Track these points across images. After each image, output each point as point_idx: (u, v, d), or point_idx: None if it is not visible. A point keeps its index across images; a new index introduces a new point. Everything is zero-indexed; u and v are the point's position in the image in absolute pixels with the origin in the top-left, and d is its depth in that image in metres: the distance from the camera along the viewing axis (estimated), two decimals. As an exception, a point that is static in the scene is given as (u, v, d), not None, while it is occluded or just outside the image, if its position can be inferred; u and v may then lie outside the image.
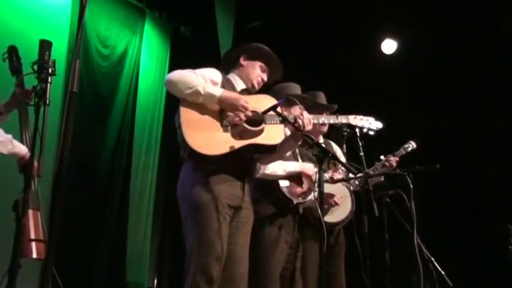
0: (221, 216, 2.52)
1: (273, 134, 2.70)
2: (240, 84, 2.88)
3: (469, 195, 5.72)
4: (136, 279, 5.62)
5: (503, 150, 5.81)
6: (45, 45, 2.42)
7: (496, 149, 5.92)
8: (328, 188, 3.72)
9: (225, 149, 2.53)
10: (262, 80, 2.95)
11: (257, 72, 2.92)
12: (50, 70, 2.33)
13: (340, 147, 3.80)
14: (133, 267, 5.58)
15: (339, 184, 3.61)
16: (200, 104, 2.55)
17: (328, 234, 3.74)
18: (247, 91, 2.88)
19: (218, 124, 2.57)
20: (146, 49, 6.17)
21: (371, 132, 3.11)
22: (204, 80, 2.59)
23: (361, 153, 3.72)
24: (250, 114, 2.60)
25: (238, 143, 2.58)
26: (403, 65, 6.27)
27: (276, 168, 3.24)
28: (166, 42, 6.55)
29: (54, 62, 2.37)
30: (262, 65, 2.95)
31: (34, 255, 2.90)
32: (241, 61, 2.93)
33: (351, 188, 3.46)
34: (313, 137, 2.86)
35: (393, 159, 3.84)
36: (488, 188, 5.95)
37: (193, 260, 2.46)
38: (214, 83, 2.65)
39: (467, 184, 5.67)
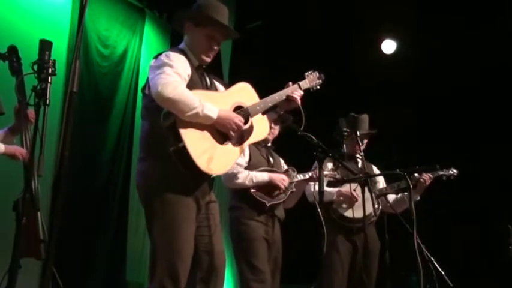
0: (191, 217, 2.46)
1: (262, 127, 2.71)
2: (193, 61, 2.62)
3: (469, 195, 5.73)
4: (136, 279, 5.62)
5: (504, 150, 5.81)
6: (45, 45, 2.41)
7: (496, 149, 5.92)
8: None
9: (228, 166, 2.55)
10: (214, 50, 2.66)
11: (204, 45, 2.62)
12: (50, 70, 2.32)
13: (340, 147, 3.81)
14: (133, 267, 5.58)
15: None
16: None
17: (356, 234, 3.80)
18: (202, 68, 2.67)
19: (217, 136, 2.50)
20: (146, 49, 6.16)
21: (319, 87, 3.04)
22: (185, 80, 2.49)
23: (361, 153, 3.73)
24: (243, 128, 2.55)
25: (237, 152, 2.59)
26: (403, 65, 6.28)
27: (245, 179, 3.41)
28: (166, 42, 6.54)
29: (54, 62, 2.36)
30: (209, 33, 2.61)
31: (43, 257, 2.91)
32: (187, 29, 2.65)
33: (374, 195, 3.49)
34: (312, 137, 2.87)
35: (426, 176, 3.84)
36: (488, 188, 5.96)
37: (161, 262, 2.38)
38: (189, 76, 2.54)
39: (467, 184, 5.67)
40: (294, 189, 3.58)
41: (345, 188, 3.84)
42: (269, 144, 3.72)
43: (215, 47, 2.65)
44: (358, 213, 3.74)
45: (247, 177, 3.43)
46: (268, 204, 3.45)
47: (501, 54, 5.86)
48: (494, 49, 5.89)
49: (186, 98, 2.35)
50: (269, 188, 3.47)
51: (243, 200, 3.47)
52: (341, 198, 3.82)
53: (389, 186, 3.93)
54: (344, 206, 3.84)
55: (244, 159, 3.51)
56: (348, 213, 3.81)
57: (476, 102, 6.14)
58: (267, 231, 3.43)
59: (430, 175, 3.88)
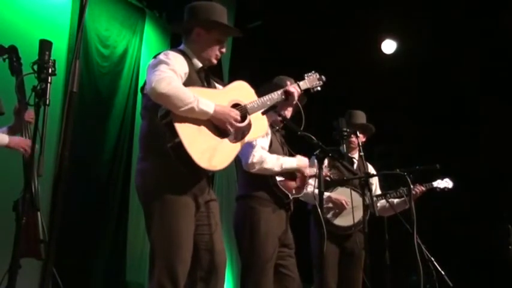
0: (190, 216, 2.47)
1: (260, 124, 2.70)
2: (196, 63, 2.66)
3: (469, 195, 5.73)
4: (136, 279, 5.62)
5: (504, 150, 5.81)
6: (45, 45, 2.42)
7: (496, 148, 5.92)
8: (341, 193, 3.77)
9: (227, 161, 2.52)
10: (222, 52, 2.73)
11: (215, 49, 2.68)
12: (50, 70, 2.33)
13: (340, 147, 3.81)
14: (133, 267, 5.58)
15: (355, 194, 3.69)
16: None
17: (344, 240, 3.80)
18: (203, 70, 2.70)
19: (215, 132, 2.50)
20: (146, 49, 6.16)
21: (319, 88, 3.04)
22: (181, 78, 2.50)
23: (361, 153, 3.73)
24: (239, 125, 2.55)
25: (236, 148, 2.58)
26: (403, 65, 6.28)
27: (275, 163, 3.23)
28: (166, 42, 6.54)
29: (54, 62, 2.37)
30: (220, 38, 2.69)
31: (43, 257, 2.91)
32: (196, 35, 2.67)
33: (366, 201, 3.45)
34: (312, 137, 2.87)
35: (419, 188, 3.87)
36: (488, 188, 5.96)
37: (159, 262, 2.38)
38: (185, 74, 2.55)
39: (467, 184, 5.68)
40: (311, 184, 3.42)
41: (335, 194, 3.81)
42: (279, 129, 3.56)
43: (223, 50, 2.72)
44: (346, 221, 3.75)
45: (277, 162, 3.22)
46: (291, 198, 3.31)
47: (502, 53, 5.87)
48: (494, 48, 5.89)
49: (180, 93, 2.35)
50: (290, 175, 3.30)
51: (265, 189, 3.25)
52: (330, 204, 3.76)
53: (387, 192, 3.92)
54: (332, 212, 3.79)
55: (267, 142, 3.32)
56: (337, 221, 3.78)
57: (476, 102, 6.15)
58: (282, 231, 3.28)
59: (423, 188, 3.90)
